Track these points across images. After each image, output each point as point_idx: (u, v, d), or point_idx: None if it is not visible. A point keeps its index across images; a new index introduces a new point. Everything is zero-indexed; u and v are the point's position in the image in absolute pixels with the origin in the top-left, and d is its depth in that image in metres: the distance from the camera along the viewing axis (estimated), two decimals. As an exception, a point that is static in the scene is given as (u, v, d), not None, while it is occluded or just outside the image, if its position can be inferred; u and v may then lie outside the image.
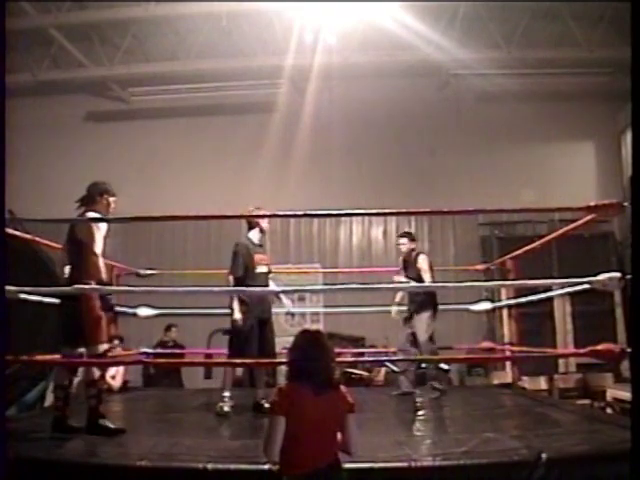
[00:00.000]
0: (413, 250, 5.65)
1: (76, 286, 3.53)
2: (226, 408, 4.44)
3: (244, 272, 4.54)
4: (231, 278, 4.57)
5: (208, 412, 4.66)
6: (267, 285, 4.72)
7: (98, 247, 3.62)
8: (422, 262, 5.50)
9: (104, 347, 3.68)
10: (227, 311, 4.59)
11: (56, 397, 3.67)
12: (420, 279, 5.37)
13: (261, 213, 4.69)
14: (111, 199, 3.85)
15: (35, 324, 7.48)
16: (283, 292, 5.34)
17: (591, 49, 9.01)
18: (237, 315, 4.46)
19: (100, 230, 3.63)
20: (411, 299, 5.56)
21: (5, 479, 2.54)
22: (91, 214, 3.69)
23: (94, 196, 3.78)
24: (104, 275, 3.66)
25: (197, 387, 6.93)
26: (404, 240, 5.71)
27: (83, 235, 3.62)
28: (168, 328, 7.37)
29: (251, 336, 4.48)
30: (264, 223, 4.79)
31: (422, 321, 5.41)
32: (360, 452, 2.41)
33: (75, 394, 4.05)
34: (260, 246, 4.78)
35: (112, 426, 3.55)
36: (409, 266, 5.56)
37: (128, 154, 10.17)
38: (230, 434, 3.97)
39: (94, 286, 3.59)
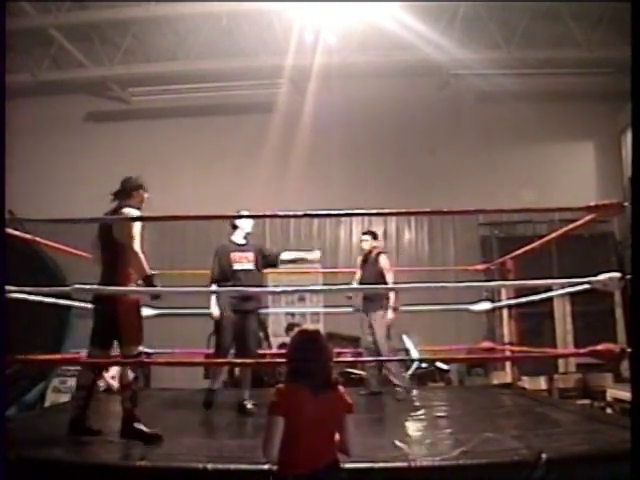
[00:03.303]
0: (375, 249, 5.70)
1: (76, 286, 3.53)
2: (249, 406, 4.59)
3: (221, 274, 4.83)
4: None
5: (208, 412, 4.67)
6: (248, 280, 4.83)
7: (137, 244, 3.54)
8: (384, 261, 5.61)
9: (140, 349, 3.64)
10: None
11: (77, 397, 3.58)
12: (381, 278, 5.47)
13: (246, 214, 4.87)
14: (145, 195, 3.81)
15: (35, 324, 7.49)
16: (283, 292, 5.37)
17: (591, 49, 9.00)
18: (214, 310, 4.73)
19: (137, 226, 3.57)
20: (366, 297, 5.62)
21: (5, 479, 2.54)
22: (127, 209, 3.62)
23: (129, 190, 3.73)
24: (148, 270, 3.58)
25: (197, 387, 6.93)
26: (367, 237, 5.80)
27: (121, 234, 3.54)
28: (290, 328, 7.35)
29: (227, 330, 4.72)
30: (246, 225, 4.99)
31: (377, 320, 5.48)
32: (359, 452, 2.41)
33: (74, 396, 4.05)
34: (243, 245, 4.97)
35: (148, 431, 3.45)
36: (368, 264, 5.64)
37: (128, 154, 10.17)
38: (230, 434, 3.98)
39: (92, 287, 3.59)
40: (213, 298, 4.80)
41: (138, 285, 3.58)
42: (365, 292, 5.70)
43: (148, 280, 3.51)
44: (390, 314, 5.46)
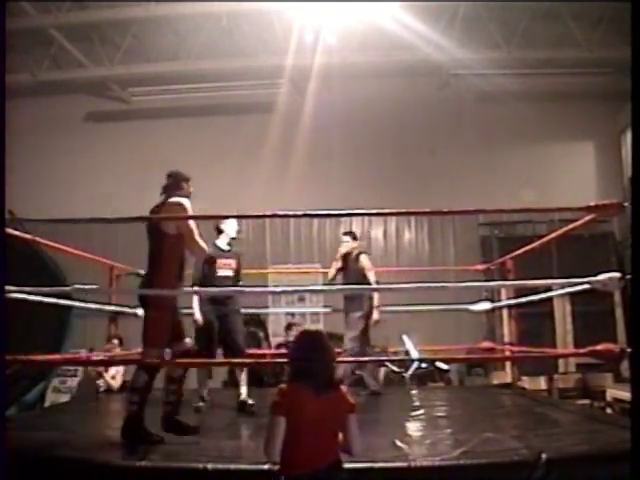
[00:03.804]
0: (354, 249, 5.72)
1: (76, 286, 3.53)
2: (250, 401, 4.63)
3: (204, 278, 4.82)
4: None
5: (208, 412, 4.67)
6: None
7: (194, 229, 3.51)
8: (365, 261, 5.63)
9: (188, 340, 3.67)
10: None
11: (131, 401, 3.41)
12: (363, 278, 5.49)
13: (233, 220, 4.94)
14: (191, 188, 3.79)
15: (35, 324, 7.49)
16: (283, 292, 5.38)
17: (591, 49, 9.01)
18: (197, 315, 4.73)
19: (189, 211, 3.54)
20: (346, 297, 5.64)
21: (5, 479, 2.54)
22: (177, 198, 3.58)
23: (179, 182, 3.72)
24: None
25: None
26: (347, 238, 5.81)
27: (169, 224, 3.48)
28: (289, 327, 7.35)
29: (207, 333, 4.73)
30: (232, 230, 4.99)
31: (352, 321, 5.50)
32: (360, 452, 2.41)
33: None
34: (227, 251, 4.97)
35: (186, 423, 3.45)
36: (349, 264, 5.66)
37: (128, 154, 10.18)
38: (230, 434, 3.97)
39: (92, 287, 3.59)
40: (195, 304, 4.78)
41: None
42: (346, 292, 5.70)
43: (211, 262, 3.50)
44: (376, 315, 5.47)
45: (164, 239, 3.48)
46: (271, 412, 2.28)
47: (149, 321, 3.52)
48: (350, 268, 5.65)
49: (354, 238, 5.88)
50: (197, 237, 3.50)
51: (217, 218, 4.97)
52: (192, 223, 3.51)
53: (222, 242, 4.99)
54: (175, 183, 3.71)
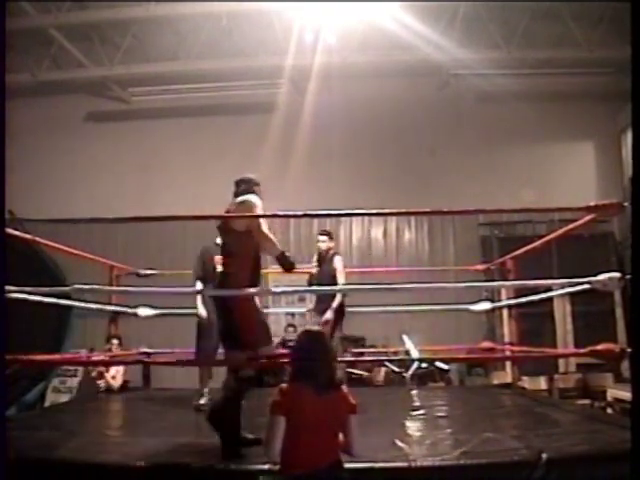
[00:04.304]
0: (330, 249, 5.72)
1: (76, 286, 3.52)
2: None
3: (205, 273, 4.90)
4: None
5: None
6: None
7: (265, 225, 3.48)
8: (337, 263, 5.61)
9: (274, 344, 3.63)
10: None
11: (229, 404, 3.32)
12: (334, 278, 5.49)
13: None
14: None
15: (35, 324, 7.49)
16: (283, 292, 5.38)
17: (591, 49, 9.01)
18: (201, 311, 4.80)
19: (259, 210, 3.51)
20: (319, 299, 5.64)
21: (5, 479, 2.54)
22: (250, 196, 3.54)
23: (252, 187, 3.67)
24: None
25: (197, 387, 6.92)
26: (324, 238, 5.76)
27: (241, 222, 3.46)
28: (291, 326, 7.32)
29: (211, 332, 4.70)
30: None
31: (320, 321, 5.46)
32: (360, 453, 2.41)
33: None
34: None
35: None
36: (324, 264, 5.65)
37: (128, 154, 10.18)
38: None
39: (92, 287, 3.58)
40: (199, 299, 4.85)
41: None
42: (319, 296, 5.67)
43: (283, 257, 3.44)
44: (329, 314, 5.39)
45: (235, 237, 3.46)
46: (271, 412, 2.28)
47: (238, 322, 3.38)
48: (324, 268, 5.63)
49: (331, 239, 5.83)
50: (266, 231, 3.46)
51: (217, 218, 4.96)
52: (262, 221, 3.49)
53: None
54: (247, 189, 3.66)
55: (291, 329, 7.84)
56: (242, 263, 3.45)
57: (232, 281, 3.44)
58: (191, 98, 10.48)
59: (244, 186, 3.66)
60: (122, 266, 6.20)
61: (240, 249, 3.45)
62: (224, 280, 3.51)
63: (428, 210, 5.47)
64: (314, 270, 5.74)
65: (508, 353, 6.06)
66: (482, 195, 8.75)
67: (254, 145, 9.51)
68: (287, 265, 3.48)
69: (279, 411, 2.25)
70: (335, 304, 5.39)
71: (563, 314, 9.05)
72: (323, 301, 5.51)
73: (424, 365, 7.13)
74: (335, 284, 5.50)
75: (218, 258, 4.82)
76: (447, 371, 7.82)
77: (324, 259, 5.69)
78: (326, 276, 5.54)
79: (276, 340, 8.37)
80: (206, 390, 4.91)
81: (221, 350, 4.85)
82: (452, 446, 3.12)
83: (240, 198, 3.55)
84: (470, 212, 6.83)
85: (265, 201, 3.57)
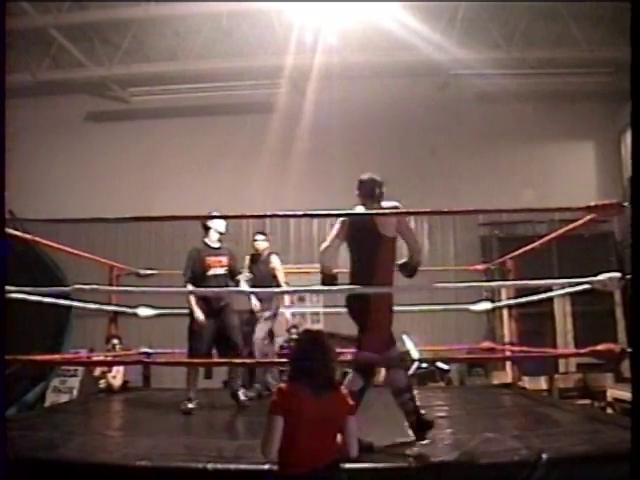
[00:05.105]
0: (266, 249, 5.75)
1: (76, 286, 3.52)
2: (242, 397, 4.73)
3: (194, 274, 4.79)
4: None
5: (208, 412, 4.67)
6: (221, 286, 4.86)
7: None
8: (276, 262, 5.66)
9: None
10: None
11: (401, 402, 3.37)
12: (273, 278, 5.54)
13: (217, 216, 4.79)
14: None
15: (35, 324, 7.50)
16: (283, 292, 5.39)
17: (591, 49, 9.01)
18: (198, 314, 4.68)
19: None
20: (259, 298, 5.61)
21: (5, 479, 2.54)
22: (390, 202, 3.60)
23: (382, 186, 3.73)
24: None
25: (197, 387, 6.93)
26: (261, 237, 5.80)
27: (387, 227, 3.45)
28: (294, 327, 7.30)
29: (203, 335, 4.72)
30: (219, 226, 4.94)
31: (260, 322, 5.53)
32: (358, 453, 2.42)
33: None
34: (217, 248, 4.94)
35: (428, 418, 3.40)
36: (260, 264, 5.66)
37: (128, 154, 10.18)
38: (230, 434, 3.97)
39: (92, 287, 3.58)
40: (193, 302, 4.71)
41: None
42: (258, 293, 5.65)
43: (200, 260, 3.43)
44: (287, 314, 5.55)
45: (382, 242, 3.43)
46: (269, 412, 2.28)
47: (374, 323, 3.45)
48: (261, 268, 5.64)
49: (267, 239, 5.86)
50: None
51: (216, 218, 4.95)
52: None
53: (211, 239, 4.95)
54: (382, 192, 3.70)
55: (294, 330, 7.83)
56: (387, 267, 3.45)
57: (377, 285, 3.41)
58: (191, 98, 10.48)
59: (378, 190, 3.67)
60: (122, 266, 6.20)
61: (386, 254, 3.44)
62: (367, 285, 3.42)
63: (428, 210, 5.46)
64: (247, 272, 5.62)
65: (508, 353, 6.06)
66: (482, 195, 8.75)
67: (254, 145, 9.51)
68: (412, 271, 3.54)
69: (277, 411, 2.25)
70: (287, 302, 5.58)
71: (563, 314, 9.05)
72: (263, 301, 5.51)
73: (424, 365, 7.14)
74: (276, 284, 5.53)
75: (210, 260, 4.80)
76: (447, 371, 7.82)
77: (260, 259, 5.69)
78: (264, 276, 5.56)
79: (279, 340, 8.37)
80: (193, 394, 4.69)
81: (214, 351, 4.87)
82: (452, 446, 3.12)
83: (390, 203, 3.58)
84: (470, 212, 6.82)
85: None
